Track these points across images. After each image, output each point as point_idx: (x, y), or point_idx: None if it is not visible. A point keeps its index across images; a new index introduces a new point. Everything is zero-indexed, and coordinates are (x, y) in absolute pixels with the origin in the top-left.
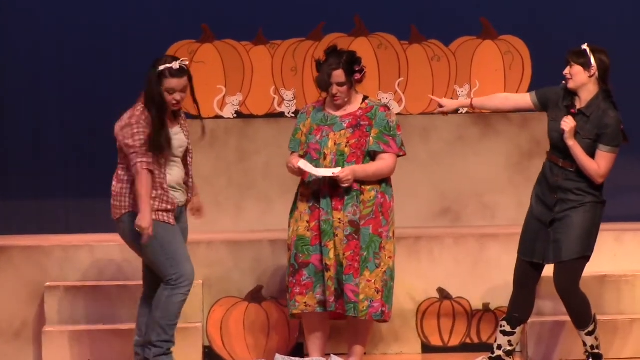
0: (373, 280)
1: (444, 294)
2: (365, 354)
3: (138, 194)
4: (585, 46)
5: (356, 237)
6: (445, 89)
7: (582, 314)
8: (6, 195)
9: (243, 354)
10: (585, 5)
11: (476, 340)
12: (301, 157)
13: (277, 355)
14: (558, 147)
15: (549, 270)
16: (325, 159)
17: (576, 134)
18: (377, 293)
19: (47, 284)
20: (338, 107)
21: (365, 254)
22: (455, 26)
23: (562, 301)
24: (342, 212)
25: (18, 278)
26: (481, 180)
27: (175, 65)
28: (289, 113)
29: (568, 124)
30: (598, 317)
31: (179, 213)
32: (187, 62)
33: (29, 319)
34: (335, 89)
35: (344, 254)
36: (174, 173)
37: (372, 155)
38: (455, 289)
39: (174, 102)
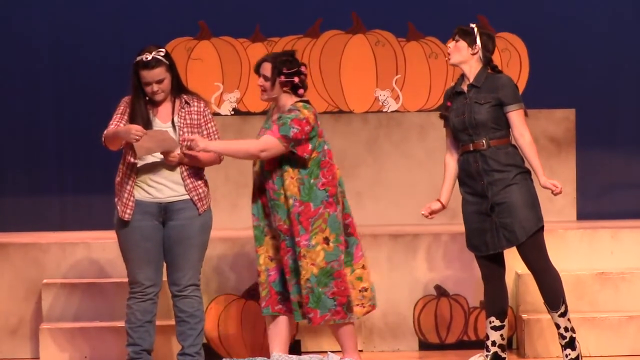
0: (300, 287)
1: (441, 291)
2: (361, 351)
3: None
4: (473, 25)
5: (278, 244)
6: (442, 86)
7: (555, 291)
8: (3, 193)
9: (240, 351)
10: (583, 2)
11: (473, 338)
12: None
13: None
14: (465, 131)
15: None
16: (255, 164)
17: (475, 103)
18: (302, 300)
19: (44, 281)
20: (276, 107)
21: (290, 261)
22: (453, 23)
23: (536, 280)
24: (270, 218)
25: (15, 275)
26: None
27: (147, 56)
28: None
29: (556, 185)
30: (595, 315)
31: (161, 211)
32: (164, 52)
33: (25, 316)
34: (260, 81)
35: (279, 259)
36: (146, 166)
37: (291, 162)
38: (452, 287)
39: (151, 92)
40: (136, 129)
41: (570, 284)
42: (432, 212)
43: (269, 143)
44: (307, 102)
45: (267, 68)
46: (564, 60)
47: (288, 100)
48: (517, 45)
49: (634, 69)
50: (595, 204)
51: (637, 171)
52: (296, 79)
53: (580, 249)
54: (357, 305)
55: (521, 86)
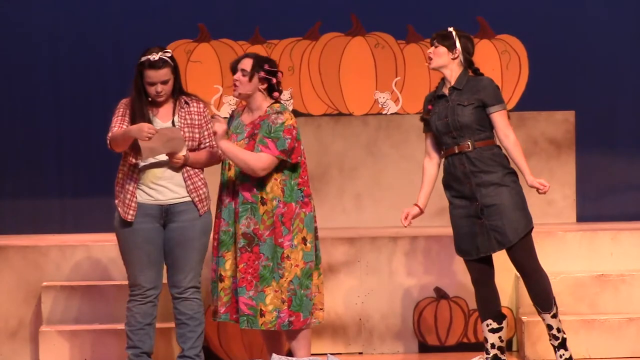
0: (279, 291)
1: (440, 294)
2: (361, 353)
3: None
4: (451, 29)
5: (249, 249)
6: None
7: (546, 292)
8: (2, 195)
9: (240, 354)
10: (582, 4)
11: (473, 340)
12: None
13: (274, 355)
14: (449, 133)
15: (548, 266)
16: (229, 169)
17: (457, 105)
18: (283, 303)
19: (44, 283)
20: (247, 109)
21: (271, 264)
22: (452, 26)
23: (526, 282)
24: (238, 224)
25: (15, 278)
26: None
27: (154, 57)
28: None
29: (544, 184)
30: (595, 317)
31: (162, 213)
32: (170, 54)
33: (25, 318)
34: (237, 75)
35: (237, 266)
36: (148, 167)
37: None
38: (452, 289)
39: (155, 93)
40: (148, 127)
41: (570, 286)
42: (411, 217)
43: (270, 161)
44: (280, 103)
45: (247, 63)
46: (563, 62)
47: (263, 101)
48: (516, 48)
49: (634, 71)
50: (595, 206)
51: (637, 173)
52: (274, 80)
53: (580, 251)
54: (320, 309)
55: (520, 88)
